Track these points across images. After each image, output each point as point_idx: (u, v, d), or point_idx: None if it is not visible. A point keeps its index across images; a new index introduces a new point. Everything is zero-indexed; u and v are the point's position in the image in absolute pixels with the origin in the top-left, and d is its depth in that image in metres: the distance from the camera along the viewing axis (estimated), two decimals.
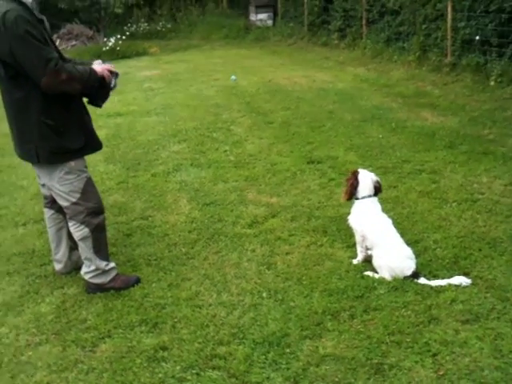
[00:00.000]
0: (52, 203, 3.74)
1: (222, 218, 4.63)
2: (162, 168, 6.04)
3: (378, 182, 3.80)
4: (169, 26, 22.62)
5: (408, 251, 3.56)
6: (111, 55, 17.03)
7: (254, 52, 16.06)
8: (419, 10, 10.79)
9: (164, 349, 3.03)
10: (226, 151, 6.48)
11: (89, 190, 3.53)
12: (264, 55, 15.10)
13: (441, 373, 2.71)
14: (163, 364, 2.92)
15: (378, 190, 3.79)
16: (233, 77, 11.24)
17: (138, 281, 3.71)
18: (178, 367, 2.88)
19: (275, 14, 20.11)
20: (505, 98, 8.07)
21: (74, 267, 3.91)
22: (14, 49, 3.06)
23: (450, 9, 9.61)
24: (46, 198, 3.77)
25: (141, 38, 20.42)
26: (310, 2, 15.99)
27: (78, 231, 3.52)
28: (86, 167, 3.56)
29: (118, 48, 17.03)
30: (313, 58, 13.74)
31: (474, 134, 6.65)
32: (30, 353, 3.10)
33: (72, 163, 3.42)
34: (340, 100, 8.77)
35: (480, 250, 3.84)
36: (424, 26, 10.68)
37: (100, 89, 3.51)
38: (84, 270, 3.63)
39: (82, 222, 3.50)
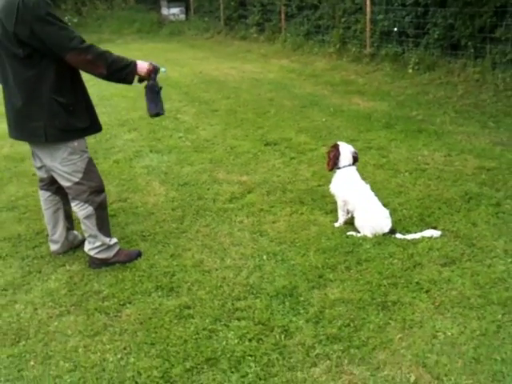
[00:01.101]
0: (49, 185, 3.81)
1: (200, 196, 4.89)
2: (122, 155, 6.14)
3: (355, 152, 4.24)
4: (75, 20, 21.98)
5: (385, 211, 4.05)
6: None
7: (172, 46, 16.19)
8: (338, 4, 11.49)
9: (187, 307, 3.28)
10: (180, 137, 6.70)
11: (91, 169, 3.65)
12: (184, 49, 15.29)
13: (437, 304, 3.19)
14: (191, 320, 3.16)
15: (355, 160, 4.23)
16: (162, 69, 11.32)
17: (139, 254, 3.88)
18: (207, 320, 3.14)
19: (187, 9, 20.29)
20: (424, 83, 8.91)
21: (70, 247, 4.01)
22: (36, 29, 3.14)
23: (368, 2, 10.37)
24: (42, 180, 3.83)
25: None
26: None
27: (82, 210, 3.63)
28: (86, 147, 3.68)
29: None
30: (234, 51, 14.13)
31: (404, 115, 7.34)
32: (56, 323, 3.21)
33: (75, 143, 3.53)
34: (275, 89, 9.22)
35: (439, 208, 4.41)
36: (343, 20, 11.41)
37: (149, 93, 3.68)
38: (88, 246, 3.75)
39: (86, 201, 3.61)
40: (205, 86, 9.68)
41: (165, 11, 20.62)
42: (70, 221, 3.99)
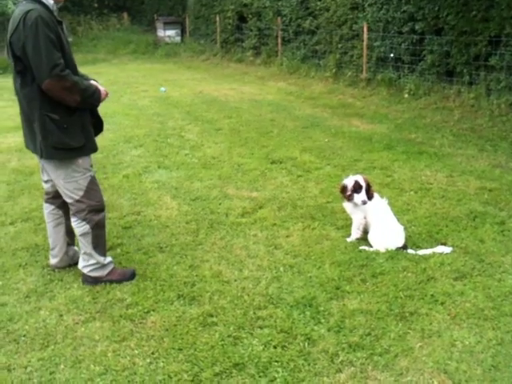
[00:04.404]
0: (53, 199, 3.83)
1: (213, 210, 4.99)
2: (131, 170, 6.24)
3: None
4: (70, 39, 22.07)
5: (400, 227, 4.19)
6: None
7: (168, 66, 16.42)
8: (335, 31, 11.80)
9: (211, 316, 3.36)
10: (187, 154, 6.83)
11: (92, 188, 3.66)
12: (181, 70, 15.52)
13: (452, 315, 3.31)
14: (216, 327, 3.25)
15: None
16: (162, 88, 11.53)
17: (133, 274, 3.85)
18: (231, 328, 3.23)
19: (183, 31, 20.61)
20: (420, 107, 9.17)
21: (70, 262, 4.00)
22: (27, 46, 3.19)
23: (365, 29, 10.68)
24: (48, 193, 3.86)
25: None
26: (223, 20, 16.66)
27: (79, 227, 3.65)
28: (91, 166, 3.70)
29: None
30: (231, 73, 14.37)
31: (404, 138, 7.55)
32: (82, 329, 3.28)
33: (79, 160, 3.55)
34: (275, 110, 9.42)
35: (447, 226, 4.57)
36: (340, 45, 11.70)
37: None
38: (82, 263, 3.75)
39: (84, 219, 3.63)
40: (206, 105, 9.85)
41: (160, 33, 20.91)
42: (72, 236, 3.97)
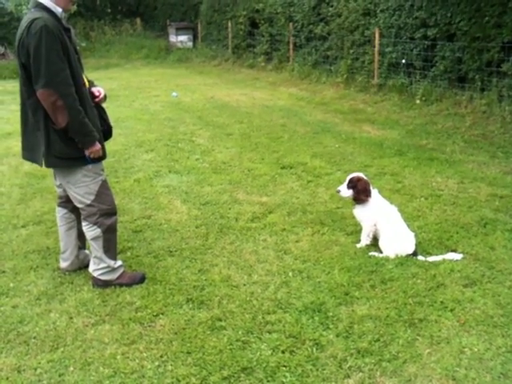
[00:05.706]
0: (66, 202, 3.85)
1: (223, 215, 5.01)
2: (142, 174, 6.29)
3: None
4: (83, 44, 22.36)
5: (411, 234, 4.18)
6: None
7: (180, 71, 16.50)
8: (347, 36, 11.80)
9: (219, 320, 3.37)
10: (198, 159, 6.86)
11: (103, 192, 3.66)
12: (193, 75, 15.58)
13: (462, 322, 3.30)
14: (224, 331, 3.26)
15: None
16: (174, 93, 11.60)
17: (143, 278, 3.86)
18: (240, 332, 3.24)
19: (195, 37, 20.72)
20: (432, 114, 9.14)
21: (80, 266, 4.02)
22: (30, 54, 3.24)
23: (377, 35, 10.67)
24: (60, 197, 3.88)
25: None
26: (235, 26, 16.73)
27: (91, 231, 3.67)
28: (102, 170, 3.71)
29: None
30: (243, 78, 14.42)
31: (415, 144, 7.54)
32: (92, 331, 3.30)
33: (90, 166, 3.56)
34: (286, 115, 9.44)
35: (457, 232, 4.55)
36: (352, 51, 11.71)
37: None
38: (93, 267, 3.78)
39: (95, 223, 3.64)
40: (217, 110, 9.90)
41: (173, 38, 21.03)
42: (83, 240, 3.98)
